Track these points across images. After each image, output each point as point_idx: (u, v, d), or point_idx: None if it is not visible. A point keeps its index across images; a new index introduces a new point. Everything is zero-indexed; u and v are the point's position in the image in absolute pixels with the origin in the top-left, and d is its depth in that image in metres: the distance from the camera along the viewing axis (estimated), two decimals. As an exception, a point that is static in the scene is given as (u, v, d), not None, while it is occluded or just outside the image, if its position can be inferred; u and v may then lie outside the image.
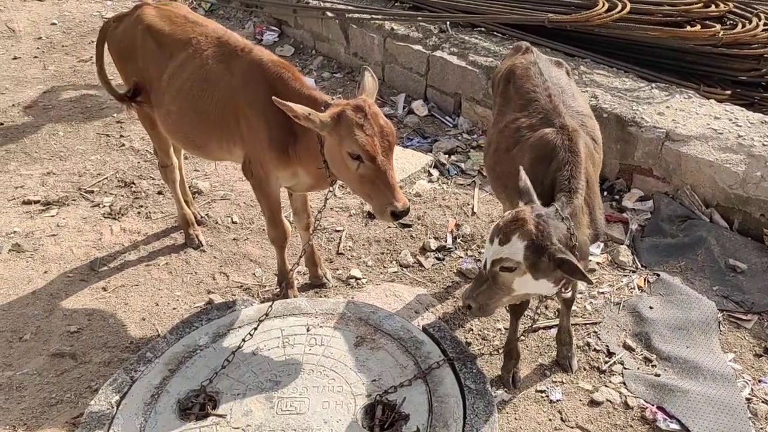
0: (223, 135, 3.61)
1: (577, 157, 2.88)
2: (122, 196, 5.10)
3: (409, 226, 4.72)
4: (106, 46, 4.19)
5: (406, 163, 5.41)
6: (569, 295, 3.35)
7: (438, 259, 4.47)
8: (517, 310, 3.42)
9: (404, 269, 4.38)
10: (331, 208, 4.85)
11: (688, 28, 5.47)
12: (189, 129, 3.73)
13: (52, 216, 4.83)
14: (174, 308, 4.01)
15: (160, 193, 5.07)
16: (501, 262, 2.67)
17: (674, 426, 3.27)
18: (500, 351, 3.60)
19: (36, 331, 3.83)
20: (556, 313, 3.97)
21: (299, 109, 2.91)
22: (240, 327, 3.34)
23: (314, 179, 3.51)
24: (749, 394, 3.47)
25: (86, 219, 4.81)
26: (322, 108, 3.08)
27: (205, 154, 3.99)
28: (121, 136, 5.89)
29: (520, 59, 3.62)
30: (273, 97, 2.94)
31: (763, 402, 3.43)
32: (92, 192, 5.13)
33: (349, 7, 7.17)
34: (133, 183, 5.22)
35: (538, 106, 3.24)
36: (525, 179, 2.81)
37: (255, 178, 3.61)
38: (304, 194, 3.88)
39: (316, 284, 4.17)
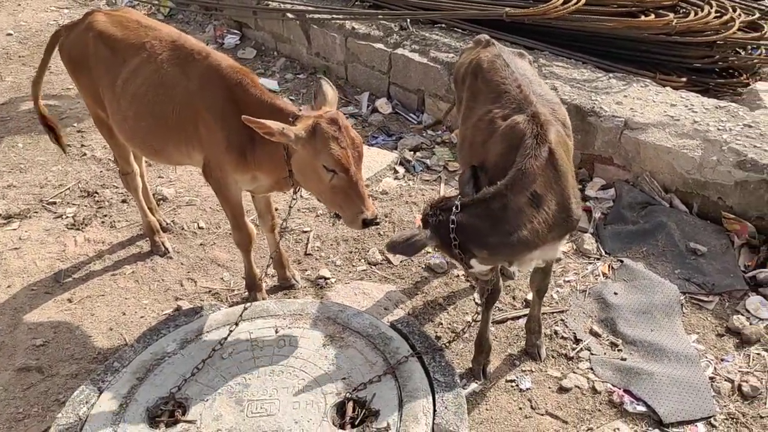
0: (181, 139, 3.59)
1: (543, 145, 2.90)
2: (85, 206, 5.04)
3: (377, 223, 4.72)
4: (59, 56, 4.14)
5: (372, 161, 5.42)
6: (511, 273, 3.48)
7: (406, 255, 4.49)
8: (488, 300, 3.45)
9: (373, 267, 4.39)
10: (298, 209, 4.85)
11: (643, 17, 5.57)
12: (146, 134, 3.70)
13: (14, 229, 4.76)
14: (142, 317, 3.98)
15: (124, 201, 5.02)
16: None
17: (641, 408, 3.34)
18: (471, 343, 3.64)
19: (0, 346, 3.77)
20: (524, 303, 4.03)
21: (274, 126, 2.91)
22: (208, 332, 3.33)
23: (275, 182, 3.51)
24: (712, 373, 3.55)
25: (49, 231, 4.75)
26: (291, 119, 3.09)
27: (164, 159, 3.96)
28: (83, 145, 5.82)
29: (484, 53, 3.65)
30: (243, 116, 2.93)
31: (726, 380, 3.51)
32: (54, 203, 5.06)
33: (309, 8, 7.16)
34: (96, 192, 5.16)
35: (510, 97, 3.26)
36: (467, 173, 3.04)
37: (215, 182, 3.60)
38: (267, 196, 3.88)
39: (285, 286, 4.17)
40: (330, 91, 3.25)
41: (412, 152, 5.66)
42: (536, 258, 3.07)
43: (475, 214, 2.85)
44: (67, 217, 4.90)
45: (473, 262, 2.92)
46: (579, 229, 4.63)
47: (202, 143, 3.52)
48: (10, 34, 8.16)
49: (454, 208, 2.84)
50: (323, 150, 2.94)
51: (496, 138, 3.11)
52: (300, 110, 3.21)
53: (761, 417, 3.32)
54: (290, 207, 3.47)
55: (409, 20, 6.52)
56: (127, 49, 3.69)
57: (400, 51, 6.27)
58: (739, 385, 3.47)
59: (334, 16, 6.90)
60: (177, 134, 3.58)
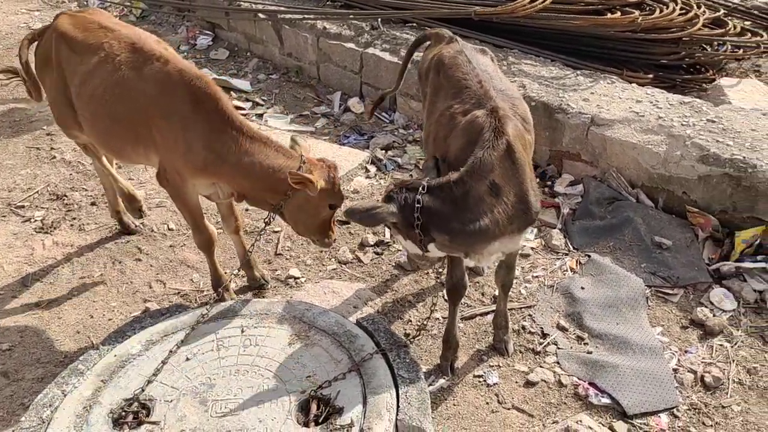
0: (139, 141, 3.58)
1: (501, 137, 2.93)
2: (54, 209, 5.00)
3: (348, 223, 4.75)
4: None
5: (344, 160, 5.43)
6: (472, 264, 3.55)
7: (377, 253, 4.51)
8: (454, 297, 3.48)
9: (343, 266, 4.41)
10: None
11: (609, 15, 5.64)
12: (104, 134, 3.72)
13: (-19, 234, 4.71)
14: (110, 319, 3.96)
15: (93, 204, 4.99)
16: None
17: (605, 400, 3.39)
18: (439, 340, 3.66)
19: (-34, 351, 3.74)
20: (492, 299, 4.06)
21: (315, 180, 3.26)
22: (174, 333, 3.32)
23: (239, 196, 3.57)
24: (676, 364, 3.61)
25: (17, 234, 4.70)
26: (301, 166, 3.36)
27: (125, 159, 3.96)
28: (52, 148, 5.77)
29: (447, 49, 3.68)
30: (290, 172, 3.22)
31: (689, 371, 3.57)
32: (23, 207, 5.01)
33: (281, 8, 7.16)
34: (65, 195, 5.12)
35: (470, 92, 3.30)
36: (430, 162, 3.12)
37: (171, 186, 3.60)
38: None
39: (254, 286, 4.17)
40: (303, 142, 3.61)
41: (383, 151, 5.68)
42: (495, 251, 3.08)
43: (440, 198, 2.86)
44: (36, 220, 4.86)
45: (431, 246, 2.93)
46: (547, 224, 4.68)
47: (157, 147, 3.51)
48: (-21, 37, 8.08)
49: (420, 188, 2.85)
50: (335, 193, 3.43)
51: (456, 132, 3.15)
52: (302, 156, 3.44)
53: (723, 407, 3.38)
54: (265, 225, 3.65)
55: (380, 20, 6.55)
56: (85, 49, 3.68)
57: (371, 50, 6.29)
58: (702, 376, 3.52)
59: (306, 16, 6.91)
60: (134, 136, 3.57)
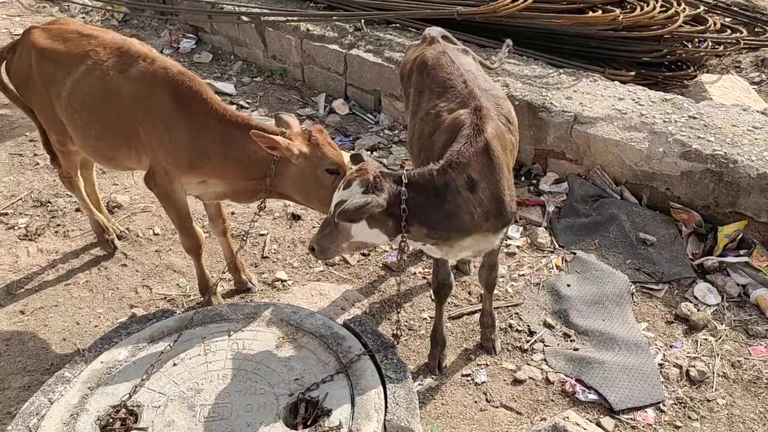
0: (131, 145, 3.57)
1: (480, 135, 2.95)
2: (38, 216, 4.96)
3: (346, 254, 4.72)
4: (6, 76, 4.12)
5: (329, 162, 5.43)
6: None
7: (363, 255, 4.51)
8: (440, 296, 3.50)
9: (330, 268, 4.41)
10: (255, 213, 4.83)
11: (590, 13, 5.67)
12: (96, 141, 3.68)
13: (-36, 242, 4.67)
14: (96, 326, 3.94)
15: (77, 210, 4.95)
16: (341, 205, 2.79)
17: (592, 396, 3.41)
18: (427, 339, 3.68)
19: (-50, 361, 3.71)
20: (479, 298, 4.07)
21: (282, 142, 3.09)
22: (161, 338, 3.31)
23: (231, 191, 3.54)
24: (662, 359, 3.64)
25: (1, 242, 4.67)
26: (284, 134, 3.23)
27: (117, 166, 3.93)
28: (35, 155, 5.73)
29: (429, 50, 3.71)
30: (252, 131, 3.09)
31: (674, 366, 3.60)
32: (6, 214, 4.97)
33: (264, 11, 7.15)
34: (49, 202, 5.08)
35: (455, 92, 3.32)
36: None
37: (159, 188, 3.59)
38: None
39: (241, 289, 4.16)
40: (291, 119, 3.45)
41: (369, 152, 5.69)
42: (467, 246, 3.07)
43: (421, 189, 2.85)
44: (20, 227, 4.82)
45: (407, 236, 2.92)
46: (533, 223, 4.70)
47: (146, 148, 3.50)
48: (-41, 44, 7.99)
49: (403, 179, 2.84)
50: (324, 157, 3.20)
51: (441, 130, 3.17)
52: (283, 131, 3.30)
53: (708, 401, 3.41)
54: (253, 220, 3.62)
55: (363, 21, 6.55)
56: (71, 60, 3.64)
57: (355, 52, 6.30)
58: (687, 371, 3.56)
59: (289, 18, 6.90)
60: (125, 140, 3.56)
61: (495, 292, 4.05)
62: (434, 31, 3.93)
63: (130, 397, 2.96)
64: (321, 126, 3.31)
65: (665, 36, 5.68)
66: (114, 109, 3.51)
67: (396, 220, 2.84)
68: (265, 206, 3.50)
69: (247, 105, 6.62)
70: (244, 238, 3.74)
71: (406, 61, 3.89)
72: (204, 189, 3.57)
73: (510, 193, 3.03)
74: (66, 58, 3.67)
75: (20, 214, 4.99)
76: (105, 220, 4.57)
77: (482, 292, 4.03)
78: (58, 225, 4.85)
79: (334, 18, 6.67)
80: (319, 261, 4.37)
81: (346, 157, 3.38)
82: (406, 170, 2.91)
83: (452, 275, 3.49)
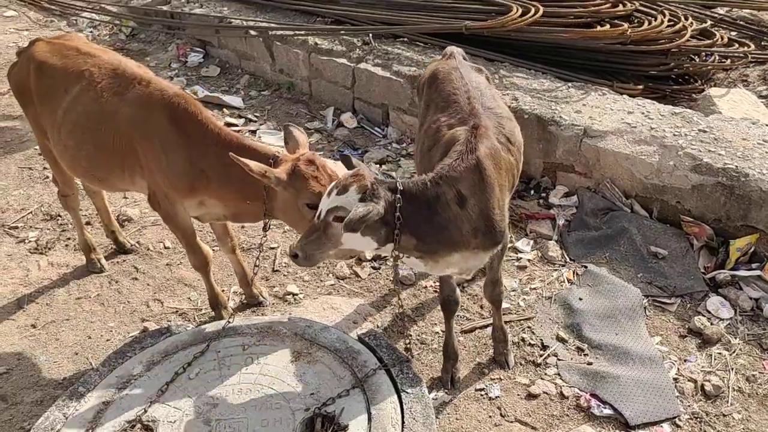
0: (125, 167, 3.57)
1: (472, 153, 2.95)
2: (48, 229, 4.97)
3: (329, 260, 4.73)
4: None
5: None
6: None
7: (374, 268, 4.51)
8: (447, 312, 3.50)
9: (341, 281, 4.41)
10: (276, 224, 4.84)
11: (598, 28, 5.70)
12: (88, 163, 3.67)
13: (-25, 255, 4.68)
14: (108, 340, 3.93)
15: (88, 223, 4.96)
16: (336, 211, 2.75)
17: (607, 411, 3.40)
18: (440, 354, 3.67)
19: (-38, 375, 3.70)
20: (491, 312, 4.06)
21: (255, 167, 2.98)
22: (175, 353, 3.30)
23: (230, 213, 3.53)
24: (676, 374, 3.63)
25: (11, 256, 4.67)
26: (271, 161, 3.17)
27: (108, 187, 3.95)
28: (45, 168, 5.73)
29: (443, 64, 3.73)
30: (230, 154, 3.01)
31: (689, 380, 3.59)
32: (17, 228, 4.98)
33: (272, 25, 7.19)
34: (59, 215, 5.09)
35: (458, 107, 3.34)
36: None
37: (162, 210, 3.60)
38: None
39: (252, 303, 4.15)
40: (300, 135, 3.37)
41: (377, 165, 5.70)
42: (455, 263, 3.04)
43: (414, 199, 2.85)
44: (30, 241, 4.83)
45: (389, 246, 2.88)
46: (543, 236, 4.70)
47: (143, 172, 3.51)
48: (-32, 57, 8.04)
49: (399, 186, 2.83)
50: (304, 190, 3.06)
51: (438, 145, 3.20)
52: (278, 153, 3.28)
53: (724, 415, 3.40)
54: (261, 245, 3.57)
55: (371, 35, 6.58)
56: (67, 78, 3.65)
57: (363, 66, 6.33)
58: (702, 385, 3.54)
59: (297, 32, 6.94)
60: (120, 162, 3.56)
61: (506, 305, 4.07)
62: (455, 48, 3.93)
63: (146, 412, 2.95)
64: (313, 155, 3.15)
65: (673, 50, 5.70)
66: (109, 131, 3.51)
67: (388, 228, 2.81)
68: (269, 227, 3.45)
69: (255, 118, 6.64)
70: (257, 260, 3.66)
71: (423, 74, 3.91)
72: (204, 210, 3.56)
73: (500, 213, 3.01)
74: (62, 75, 3.67)
75: (30, 227, 5.00)
76: (93, 242, 4.57)
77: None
78: (69, 238, 4.86)
79: (342, 32, 6.70)
80: (305, 269, 4.33)
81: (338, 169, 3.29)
82: (400, 179, 2.91)
83: (458, 291, 3.49)
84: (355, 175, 2.81)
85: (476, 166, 2.92)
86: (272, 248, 4.70)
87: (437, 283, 4.29)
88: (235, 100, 6.92)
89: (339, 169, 3.14)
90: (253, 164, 2.98)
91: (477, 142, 2.99)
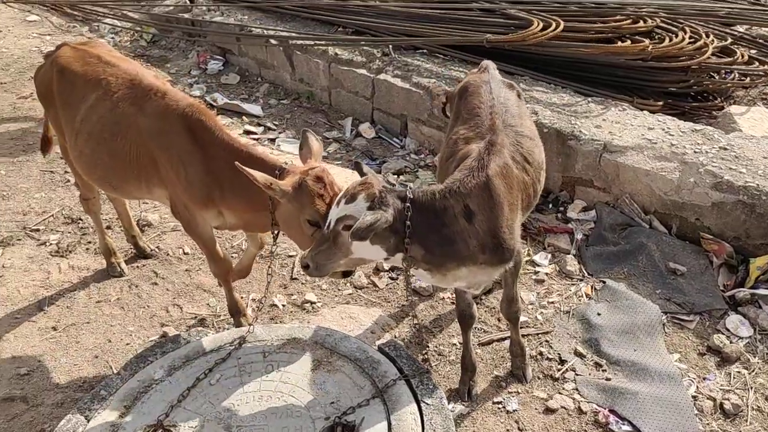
0: (141, 177, 3.60)
1: (482, 170, 2.95)
2: (69, 232, 5.02)
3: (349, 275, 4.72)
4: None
5: (356, 185, 5.46)
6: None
7: (392, 278, 4.52)
8: (463, 325, 3.51)
9: (359, 291, 4.42)
10: (283, 234, 4.86)
11: (619, 43, 5.71)
12: (103, 171, 3.71)
13: (-3, 257, 4.73)
14: (127, 344, 3.96)
15: (108, 227, 5.00)
16: (344, 220, 2.74)
17: (626, 428, 3.38)
18: (457, 365, 3.67)
19: (-16, 376, 3.74)
20: (508, 326, 4.07)
21: (261, 178, 2.97)
22: (195, 358, 3.32)
23: (243, 223, 3.55)
24: (695, 391, 3.61)
25: (32, 258, 4.72)
26: (277, 172, 3.17)
27: (124, 195, 3.98)
28: (66, 171, 5.79)
29: (475, 77, 3.75)
30: (236, 163, 3.01)
31: (708, 398, 3.57)
32: (38, 230, 5.04)
33: (292, 34, 7.25)
34: (80, 219, 5.14)
35: (479, 121, 3.36)
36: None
37: (183, 220, 3.63)
38: None
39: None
40: (315, 143, 3.36)
41: (395, 176, 5.72)
42: (463, 277, 3.03)
43: (424, 209, 2.84)
44: (51, 244, 4.88)
45: (398, 256, 2.87)
46: (561, 250, 4.70)
47: (164, 183, 3.54)
48: (-9, 61, 8.16)
49: (408, 194, 2.83)
50: (308, 206, 3.02)
51: (454, 158, 3.22)
52: (286, 163, 3.28)
53: (743, 434, 3.38)
54: (272, 252, 3.57)
55: (391, 46, 6.62)
56: (86, 85, 3.69)
57: (382, 76, 6.36)
58: (721, 404, 3.53)
59: (317, 42, 6.99)
60: (135, 172, 3.59)
61: (524, 319, 4.08)
62: (490, 62, 3.93)
63: (167, 416, 2.97)
64: (323, 172, 3.09)
65: (693, 67, 5.70)
66: (124, 142, 3.54)
67: (397, 237, 2.81)
68: (277, 237, 3.45)
69: (274, 127, 6.69)
70: (269, 268, 3.66)
71: (458, 85, 3.92)
72: (222, 220, 3.58)
73: (509, 231, 2.99)
74: (82, 82, 3.71)
75: (51, 230, 5.05)
76: (114, 246, 4.61)
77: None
78: (89, 242, 4.90)
79: (362, 43, 6.75)
80: (316, 279, 4.31)
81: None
82: (410, 188, 2.91)
83: (474, 306, 3.49)
84: (363, 183, 2.81)
85: (485, 182, 2.93)
86: (290, 256, 4.73)
87: (454, 295, 4.30)
88: (255, 109, 6.97)
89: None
90: (258, 175, 2.97)
91: (489, 159, 3.00)
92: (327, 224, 2.83)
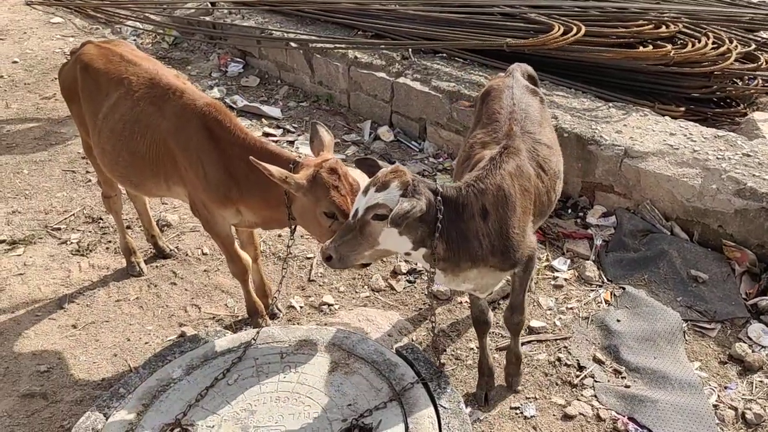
0: (160, 175, 3.64)
1: (496, 171, 2.95)
2: (90, 232, 5.07)
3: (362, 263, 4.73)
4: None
5: (374, 188, 5.46)
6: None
7: (409, 282, 4.51)
8: (478, 331, 3.49)
9: (376, 293, 4.41)
10: (301, 236, 4.87)
11: (641, 48, 5.67)
12: (124, 168, 3.75)
13: (19, 255, 4.78)
14: (146, 343, 3.99)
15: (128, 227, 5.04)
16: (375, 208, 2.67)
17: (645, 435, 3.35)
18: (475, 370, 3.65)
19: (5, 372, 3.77)
20: (528, 330, 4.04)
21: (276, 171, 2.98)
22: (213, 358, 3.34)
23: (261, 220, 3.57)
24: (716, 400, 3.56)
25: (53, 257, 4.77)
26: (291, 166, 3.18)
27: (144, 192, 4.02)
28: (87, 171, 5.86)
29: (499, 81, 3.74)
30: (250, 157, 3.03)
31: (729, 408, 3.52)
32: (59, 229, 5.09)
33: (312, 37, 7.27)
34: (101, 218, 5.19)
35: (497, 126, 3.35)
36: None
37: (202, 218, 3.66)
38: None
39: (268, 314, 4.12)
40: (326, 135, 3.36)
41: (414, 179, 5.71)
42: (472, 279, 3.03)
43: (449, 202, 2.82)
44: (72, 242, 4.92)
45: (421, 250, 2.84)
46: (580, 256, 4.67)
47: (183, 181, 3.57)
48: (15, 62, 8.25)
49: (439, 188, 2.81)
50: (324, 198, 3.04)
51: (470, 161, 3.21)
52: (299, 157, 3.30)
53: (765, 445, 3.33)
54: (288, 247, 3.56)
55: (410, 50, 6.62)
56: (109, 83, 3.74)
57: (402, 80, 6.36)
58: (743, 413, 3.48)
59: (337, 45, 7.00)
60: (155, 170, 3.63)
61: (542, 324, 4.06)
62: (518, 66, 3.90)
63: (185, 415, 2.98)
64: (336, 163, 3.11)
65: (716, 72, 5.64)
66: (144, 140, 3.58)
67: (424, 229, 2.77)
68: (294, 230, 3.45)
69: (293, 129, 6.71)
70: (284, 270, 3.67)
71: (483, 89, 3.92)
72: (240, 218, 3.60)
73: (519, 235, 2.98)
74: (105, 80, 3.77)
75: (72, 229, 5.10)
76: (134, 246, 4.65)
77: (533, 324, 4.06)
78: (109, 241, 4.94)
79: (382, 46, 6.75)
80: (338, 272, 4.31)
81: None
82: (439, 183, 2.89)
83: (489, 312, 3.47)
84: (395, 171, 2.75)
85: (500, 184, 2.93)
86: (308, 258, 4.73)
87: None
88: (274, 111, 7.00)
89: (360, 177, 3.09)
90: (273, 169, 2.98)
91: (503, 162, 3.00)
92: (354, 213, 2.75)
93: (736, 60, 5.70)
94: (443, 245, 2.84)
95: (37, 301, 4.33)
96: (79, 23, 9.52)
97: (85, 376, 3.74)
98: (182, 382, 3.19)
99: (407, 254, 2.89)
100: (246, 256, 3.88)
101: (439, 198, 2.78)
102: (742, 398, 3.57)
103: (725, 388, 3.65)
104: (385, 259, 4.70)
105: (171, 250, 4.77)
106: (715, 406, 3.52)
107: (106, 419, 3.02)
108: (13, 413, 3.50)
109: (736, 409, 3.51)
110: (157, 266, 4.67)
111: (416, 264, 4.61)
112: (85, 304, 4.32)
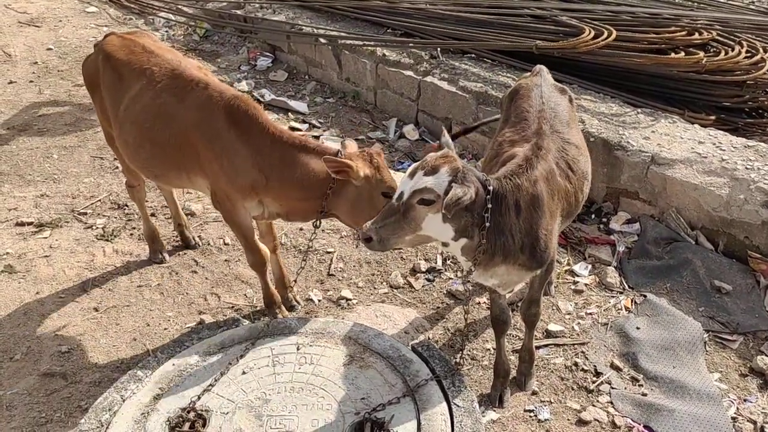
0: (182, 166, 3.66)
1: (531, 171, 2.93)
2: (115, 218, 5.14)
3: (400, 247, 4.76)
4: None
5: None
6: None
7: (428, 280, 4.51)
8: (497, 330, 3.47)
9: (395, 290, 4.42)
10: (322, 230, 4.88)
11: (672, 55, 5.60)
12: (146, 159, 3.78)
13: (45, 237, 4.86)
14: (165, 328, 4.03)
15: (152, 215, 5.10)
16: (422, 192, 2.63)
17: (661, 445, 3.31)
18: (490, 371, 3.64)
19: (27, 351, 3.84)
20: (545, 333, 4.02)
21: (354, 165, 3.13)
22: (231, 346, 3.37)
23: (284, 212, 3.59)
24: (735, 413, 3.51)
25: (79, 240, 4.84)
26: (340, 155, 3.29)
27: (166, 183, 4.05)
28: (115, 158, 5.91)
29: (527, 80, 3.72)
30: (324, 157, 3.13)
31: (748, 421, 3.47)
32: (85, 214, 5.17)
33: (342, 34, 7.29)
34: (126, 205, 5.26)
35: (526, 124, 3.33)
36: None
37: (223, 210, 3.67)
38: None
39: (285, 306, 4.15)
40: (349, 142, 3.49)
41: (437, 179, 5.70)
42: (500, 275, 3.02)
43: (492, 193, 2.79)
44: (97, 227, 5.00)
45: (462, 240, 2.82)
46: (602, 261, 4.62)
47: (206, 173, 3.59)
48: (50, 49, 8.39)
49: (489, 179, 2.78)
50: (383, 180, 3.23)
51: (498, 160, 3.19)
52: (341, 148, 3.36)
53: (784, 460, 3.27)
54: (310, 241, 3.69)
55: (439, 49, 6.61)
56: (131, 74, 3.76)
57: (429, 79, 6.36)
58: (762, 427, 3.42)
59: (366, 42, 7.02)
60: (177, 162, 3.65)
61: (560, 328, 4.03)
62: (543, 67, 3.89)
63: (200, 399, 3.01)
64: (379, 148, 3.33)
65: (749, 82, 5.55)
66: (166, 132, 3.60)
67: (468, 218, 2.74)
68: (319, 225, 3.51)
69: (318, 124, 6.74)
70: (303, 262, 3.69)
71: (511, 88, 3.91)
72: (261, 209, 3.62)
73: (547, 235, 2.96)
74: (127, 71, 3.78)
75: (98, 214, 5.17)
76: (158, 233, 4.70)
77: (550, 327, 4.03)
78: (134, 228, 5.01)
79: (411, 45, 6.75)
80: (378, 252, 4.30)
81: (396, 177, 3.31)
82: (482, 174, 2.85)
83: (508, 311, 3.45)
84: (444, 156, 2.70)
85: (533, 184, 2.92)
86: (329, 252, 4.75)
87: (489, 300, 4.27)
88: (301, 106, 7.04)
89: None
90: (352, 163, 3.11)
91: (537, 163, 2.99)
92: (398, 196, 2.70)
93: (769, 70, 5.60)
94: (479, 236, 2.81)
95: (61, 284, 4.41)
96: (114, 13, 9.65)
97: (105, 359, 3.80)
98: (198, 368, 3.22)
99: (445, 244, 2.85)
100: (265, 248, 3.91)
101: (490, 188, 2.75)
102: (762, 412, 3.52)
103: (745, 400, 3.59)
104: (403, 257, 4.71)
105: (196, 242, 4.80)
106: (733, 418, 3.47)
107: (123, 401, 3.07)
108: (33, 391, 3.56)
109: (755, 422, 3.45)
110: (179, 254, 4.72)
111: (436, 263, 4.61)
112: (107, 288, 4.38)
